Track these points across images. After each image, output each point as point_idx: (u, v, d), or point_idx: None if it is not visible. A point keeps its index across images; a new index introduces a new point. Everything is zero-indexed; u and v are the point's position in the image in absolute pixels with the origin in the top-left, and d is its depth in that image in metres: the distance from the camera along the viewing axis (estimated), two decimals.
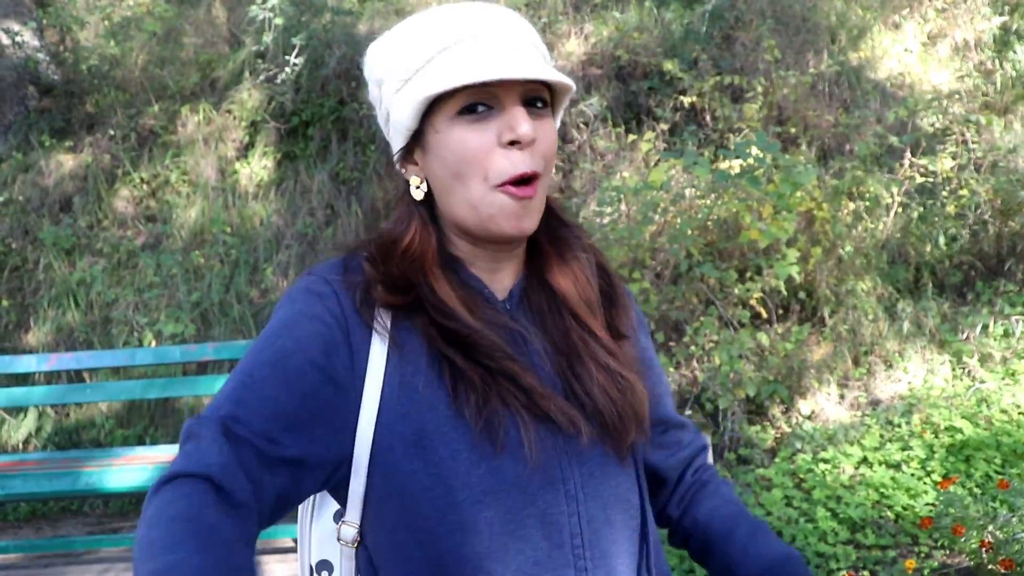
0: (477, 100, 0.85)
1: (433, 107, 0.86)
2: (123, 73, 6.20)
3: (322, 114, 5.61)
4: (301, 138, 5.70)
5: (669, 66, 5.02)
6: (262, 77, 5.76)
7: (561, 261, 0.97)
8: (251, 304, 5.03)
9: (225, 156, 5.73)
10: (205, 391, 3.90)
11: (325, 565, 0.99)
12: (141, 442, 4.49)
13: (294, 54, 5.56)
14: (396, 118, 0.89)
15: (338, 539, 0.90)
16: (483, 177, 0.85)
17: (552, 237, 0.98)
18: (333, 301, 0.87)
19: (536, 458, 0.84)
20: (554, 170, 0.98)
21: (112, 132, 5.88)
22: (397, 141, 0.91)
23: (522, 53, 0.86)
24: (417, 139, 0.89)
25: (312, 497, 1.00)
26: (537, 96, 0.87)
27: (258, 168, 5.64)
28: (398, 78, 0.87)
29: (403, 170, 0.94)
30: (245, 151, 5.79)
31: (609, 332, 0.97)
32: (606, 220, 4.24)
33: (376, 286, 0.88)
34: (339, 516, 0.92)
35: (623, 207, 4.26)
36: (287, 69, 5.56)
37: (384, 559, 0.86)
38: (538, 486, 0.85)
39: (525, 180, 0.86)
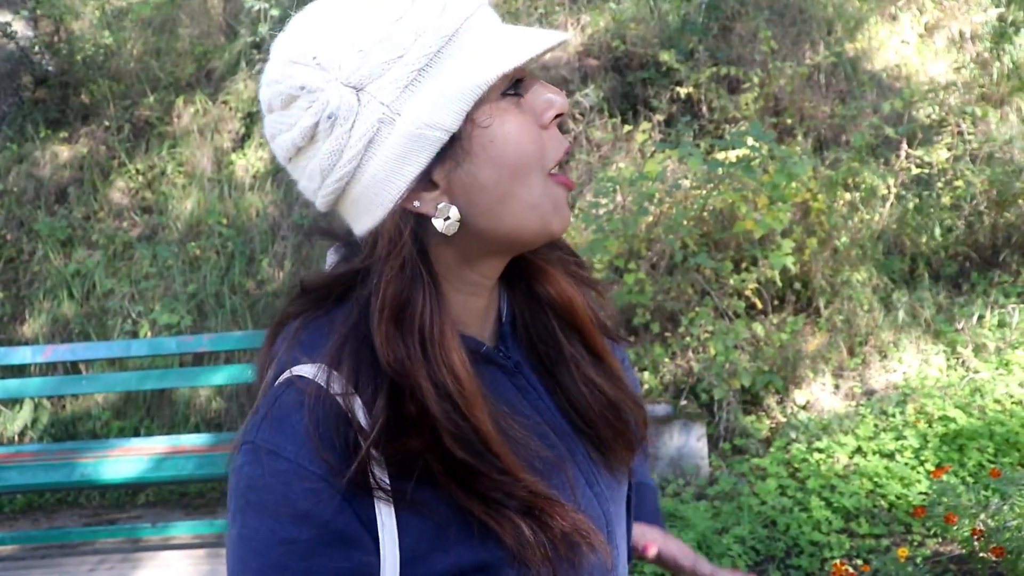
0: (518, 77, 0.70)
1: None
2: (118, 63, 6.18)
3: None
4: None
5: (665, 57, 5.02)
6: (258, 67, 5.75)
7: (548, 267, 0.82)
8: (247, 295, 5.03)
9: (221, 147, 5.71)
10: (201, 382, 3.91)
11: None
12: (137, 433, 4.49)
13: None
14: (419, 123, 0.66)
15: None
16: (541, 166, 0.70)
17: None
18: (325, 498, 0.66)
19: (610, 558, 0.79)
20: None
21: (107, 123, 5.86)
22: (415, 160, 0.67)
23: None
24: (447, 147, 0.68)
25: None
26: None
27: (254, 159, 5.63)
28: (409, 68, 0.66)
29: (411, 205, 0.69)
30: (241, 142, 5.77)
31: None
32: (602, 211, 4.24)
33: (367, 433, 0.66)
34: None
35: (619, 198, 4.26)
36: None
37: None
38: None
39: (560, 165, 0.73)
